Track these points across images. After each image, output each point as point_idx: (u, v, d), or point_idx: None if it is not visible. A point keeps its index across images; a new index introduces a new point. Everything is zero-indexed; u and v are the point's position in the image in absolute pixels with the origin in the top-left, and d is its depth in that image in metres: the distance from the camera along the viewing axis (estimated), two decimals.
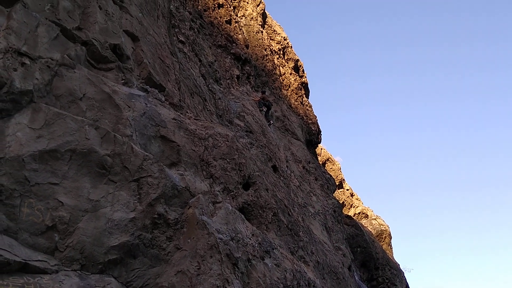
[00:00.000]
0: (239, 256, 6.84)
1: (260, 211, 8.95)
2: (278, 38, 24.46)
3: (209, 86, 14.32)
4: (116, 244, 5.79)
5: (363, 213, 31.90)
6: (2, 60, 5.32)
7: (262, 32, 22.77)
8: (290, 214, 10.88)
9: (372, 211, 32.66)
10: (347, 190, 33.39)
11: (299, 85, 24.82)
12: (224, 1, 19.68)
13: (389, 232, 30.71)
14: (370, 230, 28.77)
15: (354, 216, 30.31)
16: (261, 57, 21.83)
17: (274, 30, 24.48)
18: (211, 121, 10.82)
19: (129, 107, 6.72)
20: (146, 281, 6.06)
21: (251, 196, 8.87)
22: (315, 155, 25.79)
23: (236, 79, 18.68)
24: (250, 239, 7.55)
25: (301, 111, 24.22)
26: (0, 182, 5.07)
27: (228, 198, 8.08)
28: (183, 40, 14.03)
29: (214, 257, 6.37)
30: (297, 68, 25.17)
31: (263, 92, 19.07)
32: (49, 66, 5.95)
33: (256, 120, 16.28)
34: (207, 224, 6.62)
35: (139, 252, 6.07)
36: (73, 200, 5.59)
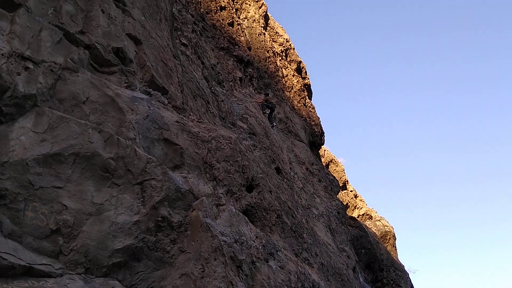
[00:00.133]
0: (243, 259, 6.83)
1: (263, 213, 8.94)
2: (281, 40, 24.47)
3: (212, 88, 14.34)
4: (120, 247, 5.79)
5: (367, 215, 31.82)
6: (5, 64, 5.34)
7: (264, 34, 22.79)
8: (294, 216, 10.87)
9: (376, 212, 32.59)
10: (351, 191, 33.33)
11: (302, 87, 24.82)
12: (226, 4, 19.71)
13: (394, 233, 30.62)
14: (374, 231, 28.69)
15: (358, 217, 30.26)
16: (264, 59, 21.84)
17: (277, 32, 24.50)
18: (214, 123, 10.83)
19: (132, 110, 6.73)
20: (151, 284, 6.06)
21: (255, 198, 8.86)
22: (318, 156, 25.77)
23: (238, 81, 18.69)
24: (254, 241, 7.55)
25: (304, 113, 24.21)
26: (4, 186, 5.08)
27: (231, 201, 8.08)
28: (185, 42, 14.06)
29: (218, 260, 6.36)
30: (299, 70, 25.17)
31: (266, 94, 19.07)
32: (52, 70, 5.97)
33: (259, 122, 16.28)
34: (211, 227, 6.61)
35: (143, 255, 6.08)
36: (77, 203, 5.60)
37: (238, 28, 20.28)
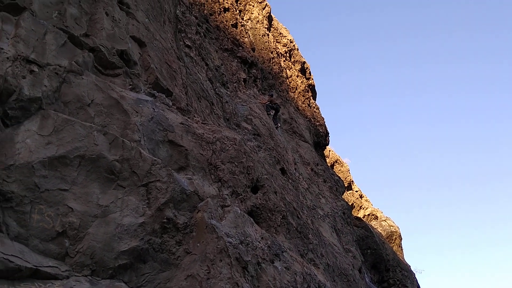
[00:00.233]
0: (249, 260, 6.83)
1: (269, 214, 8.94)
2: (284, 40, 24.47)
3: (216, 90, 14.36)
4: (126, 249, 5.80)
5: (373, 215, 31.72)
6: (11, 68, 5.37)
7: (268, 35, 22.79)
8: (299, 216, 10.85)
9: (382, 212, 32.49)
10: (356, 191, 33.25)
11: (306, 87, 24.80)
12: (230, 5, 19.74)
13: (399, 233, 30.52)
14: (380, 231, 28.61)
15: (363, 217, 30.17)
16: (268, 60, 21.84)
17: (280, 33, 24.50)
18: (219, 124, 10.83)
19: (137, 112, 6.75)
20: (156, 286, 6.07)
21: (260, 199, 8.86)
22: (323, 157, 25.73)
23: (243, 83, 18.70)
24: (259, 242, 7.54)
25: (308, 113, 24.18)
26: (11, 189, 5.11)
27: (236, 202, 8.08)
28: (189, 44, 14.09)
29: (223, 261, 6.36)
30: (303, 70, 25.15)
31: (271, 95, 19.06)
32: (57, 73, 6.00)
33: (264, 123, 16.28)
34: (216, 228, 6.61)
35: (149, 257, 6.09)
36: (83, 205, 5.62)
37: (241, 30, 20.30)
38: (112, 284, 5.61)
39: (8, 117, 5.36)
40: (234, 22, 19.80)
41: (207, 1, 18.22)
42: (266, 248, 7.62)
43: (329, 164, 29.64)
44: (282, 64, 23.41)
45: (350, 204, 28.68)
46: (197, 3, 17.38)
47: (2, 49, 5.38)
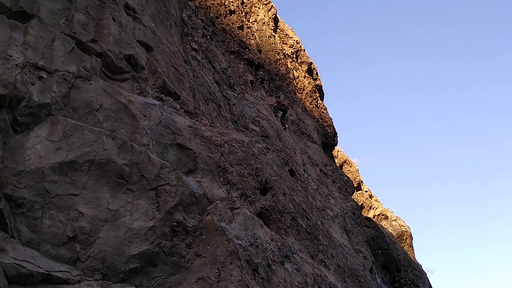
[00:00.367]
0: (259, 262, 6.82)
1: (278, 216, 8.92)
2: (291, 41, 24.46)
3: (224, 92, 14.38)
4: (136, 252, 5.82)
5: (383, 215, 31.56)
6: (20, 74, 5.42)
7: (274, 36, 22.79)
8: (309, 218, 10.83)
9: (392, 212, 32.31)
10: (366, 191, 33.11)
11: (313, 88, 24.75)
12: (235, 8, 19.77)
13: (410, 233, 30.32)
14: (391, 231, 28.45)
15: (373, 217, 30.02)
16: (274, 61, 21.84)
17: (287, 34, 24.49)
18: (227, 127, 10.85)
19: (145, 116, 6.78)
20: None
21: (269, 201, 8.85)
22: (332, 157, 25.66)
23: (250, 84, 18.72)
24: (269, 244, 7.53)
25: (316, 114, 24.14)
26: (22, 195, 5.15)
27: (246, 204, 8.08)
28: (196, 47, 14.13)
29: (234, 263, 6.36)
30: (310, 71, 25.11)
31: (278, 97, 19.04)
32: (65, 79, 6.05)
33: (272, 125, 16.27)
34: (226, 231, 6.62)
35: (160, 260, 6.10)
36: (93, 210, 5.65)
37: (248, 32, 20.33)
38: None
39: (18, 124, 5.41)
40: (240, 24, 19.83)
41: (213, 4, 18.27)
42: (276, 250, 7.60)
43: (338, 165, 29.54)
44: (289, 65, 23.39)
45: (359, 204, 28.56)
46: (203, 6, 17.44)
47: (11, 56, 5.43)
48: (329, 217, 15.63)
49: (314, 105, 24.40)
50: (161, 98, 7.66)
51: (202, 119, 8.83)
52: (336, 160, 30.28)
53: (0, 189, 5.01)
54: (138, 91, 7.28)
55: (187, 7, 15.12)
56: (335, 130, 25.57)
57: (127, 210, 5.94)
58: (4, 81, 5.20)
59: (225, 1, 19.12)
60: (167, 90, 7.97)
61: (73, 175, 5.62)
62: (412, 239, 30.23)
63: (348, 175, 26.92)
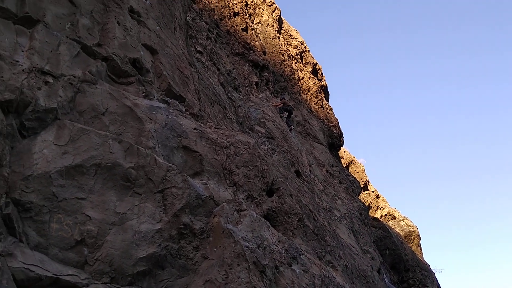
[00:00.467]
0: (266, 264, 6.81)
1: (285, 217, 8.91)
2: (295, 42, 24.45)
3: (229, 94, 14.40)
4: (144, 255, 5.84)
5: (390, 215, 31.44)
6: (26, 80, 5.46)
7: (278, 37, 22.80)
8: (316, 219, 10.80)
9: (399, 212, 32.18)
10: (373, 192, 33.00)
11: (319, 89, 24.72)
12: (239, 9, 19.80)
13: (418, 232, 30.19)
14: (398, 231, 28.33)
15: (381, 218, 29.91)
16: (279, 62, 21.84)
17: (291, 35, 24.49)
18: (232, 129, 10.85)
19: (151, 119, 6.80)
20: None
21: (276, 202, 8.83)
22: (338, 158, 25.60)
23: (255, 86, 18.73)
24: (276, 245, 7.52)
25: (321, 115, 24.10)
26: (29, 199, 5.18)
27: (252, 206, 8.07)
28: (200, 50, 14.16)
29: (241, 265, 6.36)
30: (315, 72, 25.09)
31: (282, 99, 19.03)
32: (71, 83, 6.08)
33: (277, 126, 16.27)
34: (232, 233, 6.61)
35: (167, 263, 6.11)
36: (100, 213, 5.67)
37: (252, 33, 20.34)
38: None
39: (25, 128, 5.44)
40: (245, 26, 19.85)
41: (217, 6, 18.31)
42: (283, 252, 7.59)
43: (344, 165, 29.47)
44: (294, 66, 23.38)
45: (366, 204, 28.47)
46: (207, 8, 17.48)
47: (18, 61, 5.47)
48: (336, 217, 15.59)
49: (320, 106, 24.37)
50: (166, 101, 7.68)
51: (208, 121, 8.84)
52: (342, 161, 30.21)
53: (8, 193, 5.04)
54: (143, 94, 7.30)
55: (191, 9, 15.16)
56: (340, 131, 25.51)
57: (134, 213, 5.95)
58: (10, 86, 5.23)
59: (229, 3, 19.15)
60: (172, 93, 7.99)
61: (80, 179, 5.65)
62: (419, 239, 30.10)
63: (354, 176, 26.84)
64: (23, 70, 5.46)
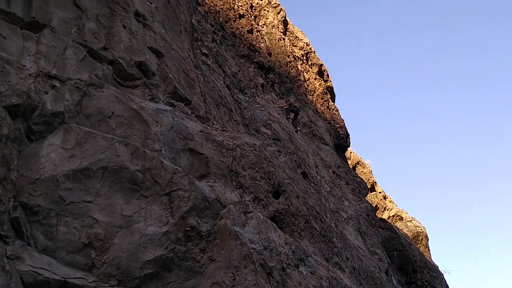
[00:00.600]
0: (273, 265, 6.80)
1: (292, 219, 8.89)
2: (301, 44, 24.43)
3: (234, 96, 14.41)
4: (151, 258, 5.85)
5: (398, 216, 31.28)
6: (33, 84, 5.49)
7: (284, 39, 22.79)
8: (323, 220, 10.77)
9: (407, 213, 32.01)
10: (380, 193, 32.85)
11: (324, 90, 24.68)
12: (245, 12, 19.83)
13: (426, 233, 30.00)
14: (406, 232, 28.18)
15: (388, 219, 29.76)
16: (285, 64, 21.83)
17: (296, 37, 24.48)
18: (238, 131, 10.86)
19: (157, 122, 6.82)
20: None
21: (282, 204, 8.82)
22: (344, 159, 25.53)
23: (260, 88, 18.73)
24: (283, 247, 7.50)
25: (328, 116, 24.06)
26: (37, 203, 5.21)
27: (259, 208, 8.07)
28: (206, 52, 14.19)
29: (248, 267, 6.35)
30: (321, 73, 25.05)
31: (288, 101, 19.00)
32: (78, 87, 6.11)
33: (283, 127, 16.26)
34: (239, 235, 6.61)
35: (174, 265, 6.12)
36: (107, 216, 5.69)
37: (257, 35, 20.36)
38: None
39: (33, 132, 5.48)
40: (250, 28, 19.87)
41: (222, 8, 18.34)
42: (290, 253, 7.58)
43: (351, 166, 29.37)
44: (299, 67, 23.36)
45: (374, 205, 28.34)
46: (212, 11, 17.52)
47: (24, 66, 5.51)
48: (343, 219, 15.54)
49: (326, 107, 24.32)
50: (172, 103, 7.70)
51: (214, 124, 8.85)
52: (349, 162, 30.11)
53: (16, 197, 5.07)
54: (149, 97, 7.32)
55: (197, 12, 15.20)
56: (347, 132, 25.45)
57: (141, 216, 5.97)
58: (18, 91, 5.27)
59: (234, 6, 19.19)
60: (178, 95, 8.01)
61: (87, 182, 5.67)
62: (428, 239, 29.91)
63: (361, 177, 26.75)
64: (30, 75, 5.49)
